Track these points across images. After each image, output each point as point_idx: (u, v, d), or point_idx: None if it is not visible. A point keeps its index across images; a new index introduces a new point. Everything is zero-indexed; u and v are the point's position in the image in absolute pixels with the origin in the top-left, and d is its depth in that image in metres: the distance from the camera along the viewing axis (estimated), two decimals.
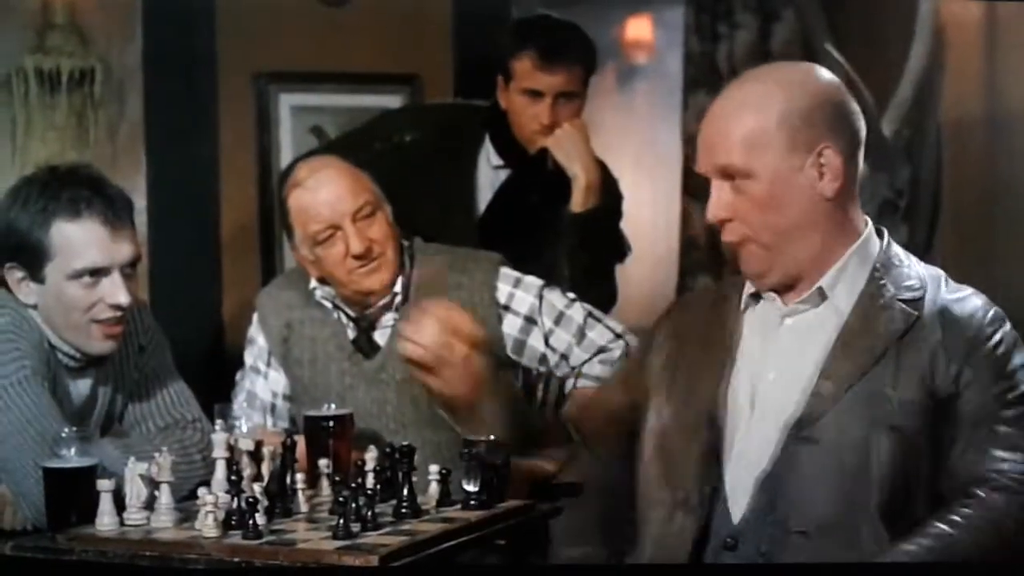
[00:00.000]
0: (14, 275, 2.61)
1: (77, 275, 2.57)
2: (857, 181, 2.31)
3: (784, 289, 2.32)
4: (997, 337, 2.24)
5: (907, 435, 2.19)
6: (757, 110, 2.24)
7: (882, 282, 2.28)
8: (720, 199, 2.27)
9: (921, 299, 2.26)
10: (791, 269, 2.28)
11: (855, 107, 2.30)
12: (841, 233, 2.29)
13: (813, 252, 2.27)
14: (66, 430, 2.43)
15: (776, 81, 2.28)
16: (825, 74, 2.31)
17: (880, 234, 2.35)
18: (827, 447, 2.21)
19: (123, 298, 2.59)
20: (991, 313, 2.26)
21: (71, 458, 2.39)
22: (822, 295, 2.29)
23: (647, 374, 2.46)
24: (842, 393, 2.21)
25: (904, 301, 2.25)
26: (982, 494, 2.18)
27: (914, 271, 2.31)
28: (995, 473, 2.18)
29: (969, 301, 2.28)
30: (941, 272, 2.34)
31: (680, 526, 2.31)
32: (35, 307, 2.61)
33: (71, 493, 2.37)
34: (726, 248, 2.32)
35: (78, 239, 2.56)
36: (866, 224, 2.34)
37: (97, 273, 2.58)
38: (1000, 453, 2.19)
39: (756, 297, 2.36)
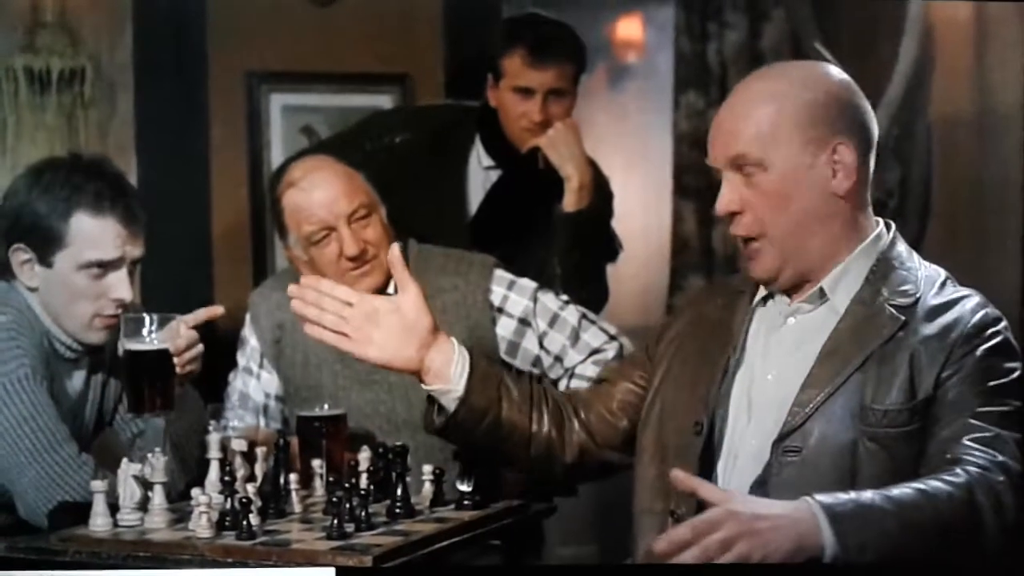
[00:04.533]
0: (19, 256, 2.64)
1: (87, 266, 2.62)
2: (869, 182, 2.30)
3: (794, 289, 2.30)
4: (983, 341, 2.20)
5: (885, 444, 2.16)
6: (773, 103, 2.23)
7: (876, 286, 2.26)
8: (730, 192, 2.25)
9: (913, 305, 2.23)
10: (801, 268, 2.27)
11: (868, 107, 2.30)
12: (850, 233, 2.28)
13: (823, 251, 2.26)
14: (148, 318, 2.50)
15: (791, 77, 2.28)
16: (838, 73, 2.31)
17: (888, 231, 2.34)
18: (808, 457, 2.18)
19: (127, 294, 2.64)
20: (980, 316, 2.22)
21: (151, 341, 2.48)
22: (822, 295, 2.28)
23: (653, 366, 2.43)
24: (821, 402, 2.19)
25: (895, 306, 2.23)
26: (958, 470, 2.09)
27: (913, 274, 2.28)
28: (967, 457, 2.12)
29: (959, 305, 2.24)
30: (943, 273, 2.31)
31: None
32: (35, 290, 2.64)
33: (151, 375, 2.46)
34: (740, 247, 2.29)
35: (97, 234, 2.61)
36: (876, 224, 2.32)
37: (106, 266, 2.62)
38: (970, 443, 2.13)
39: (770, 294, 2.34)
